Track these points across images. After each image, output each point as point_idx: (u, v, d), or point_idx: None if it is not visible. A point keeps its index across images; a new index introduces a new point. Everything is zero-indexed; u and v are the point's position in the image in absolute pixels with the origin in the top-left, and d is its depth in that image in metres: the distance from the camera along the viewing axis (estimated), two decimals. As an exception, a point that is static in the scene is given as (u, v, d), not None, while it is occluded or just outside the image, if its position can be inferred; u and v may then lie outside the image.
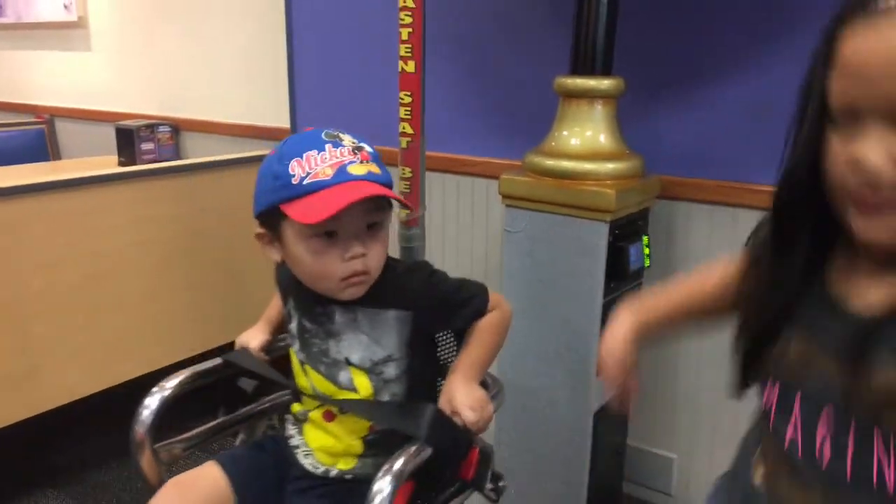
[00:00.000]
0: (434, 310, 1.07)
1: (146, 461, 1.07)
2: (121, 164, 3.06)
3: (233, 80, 2.80)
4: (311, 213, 0.94)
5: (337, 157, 0.97)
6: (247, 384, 1.23)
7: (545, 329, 1.64)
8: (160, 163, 2.76)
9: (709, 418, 1.86)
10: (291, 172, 0.96)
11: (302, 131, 1.04)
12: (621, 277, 1.62)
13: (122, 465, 2.28)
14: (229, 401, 1.23)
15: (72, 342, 2.07)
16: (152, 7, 3.06)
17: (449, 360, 1.20)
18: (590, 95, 1.60)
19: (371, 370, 1.05)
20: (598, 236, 1.56)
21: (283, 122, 2.57)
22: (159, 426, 1.10)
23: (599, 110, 1.61)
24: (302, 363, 1.10)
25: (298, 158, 0.97)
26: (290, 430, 1.14)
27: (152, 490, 1.08)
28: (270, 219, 1.02)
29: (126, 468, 2.27)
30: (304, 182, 0.95)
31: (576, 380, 1.65)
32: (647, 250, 1.67)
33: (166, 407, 1.10)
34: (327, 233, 0.98)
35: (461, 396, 0.99)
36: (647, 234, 1.69)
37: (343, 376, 1.05)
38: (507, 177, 1.67)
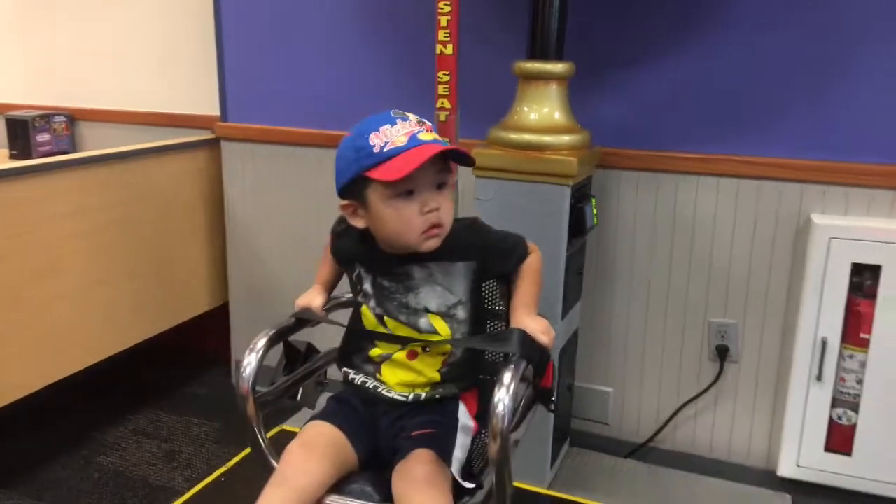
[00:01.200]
0: (489, 257, 1.26)
1: (250, 409, 1.20)
2: (13, 156, 2.90)
3: (144, 66, 2.75)
4: (393, 172, 1.11)
5: (407, 128, 1.16)
6: (299, 344, 1.37)
7: (516, 283, 1.86)
8: (57, 155, 2.67)
9: (637, 356, 2.18)
10: (372, 143, 1.14)
11: (372, 115, 1.19)
12: (579, 234, 1.89)
13: (71, 459, 2.23)
14: (290, 358, 1.35)
15: (24, 336, 2.02)
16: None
17: (496, 306, 1.40)
18: (545, 77, 1.85)
19: (446, 314, 1.23)
20: (563, 199, 1.81)
21: (210, 109, 2.57)
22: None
23: (554, 90, 1.86)
24: (380, 317, 1.24)
25: (375, 132, 1.15)
26: (358, 378, 1.27)
27: (251, 435, 1.21)
28: (355, 189, 1.18)
29: (77, 460, 2.23)
30: (385, 150, 1.13)
31: (544, 325, 1.89)
32: (595, 210, 1.95)
33: (262, 363, 1.22)
34: (407, 192, 1.16)
35: (531, 324, 1.18)
36: (594, 197, 1.96)
37: (423, 322, 1.22)
38: (478, 150, 1.87)
